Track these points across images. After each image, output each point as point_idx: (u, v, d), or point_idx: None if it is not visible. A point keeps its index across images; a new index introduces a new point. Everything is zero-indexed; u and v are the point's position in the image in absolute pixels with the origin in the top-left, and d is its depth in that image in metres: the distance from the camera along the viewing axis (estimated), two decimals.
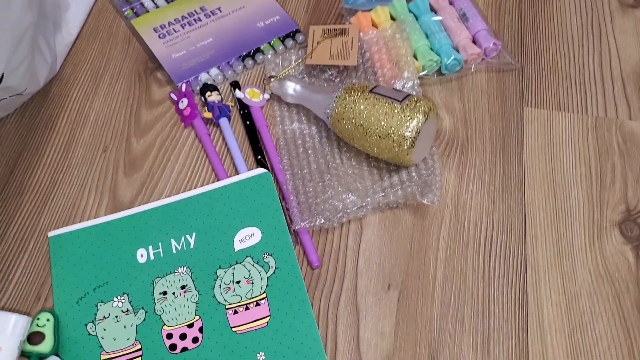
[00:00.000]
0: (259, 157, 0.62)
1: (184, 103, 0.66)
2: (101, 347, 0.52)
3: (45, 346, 0.50)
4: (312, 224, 0.57)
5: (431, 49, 0.69)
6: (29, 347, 0.50)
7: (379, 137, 0.57)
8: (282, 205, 0.59)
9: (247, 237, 0.57)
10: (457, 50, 0.69)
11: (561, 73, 0.70)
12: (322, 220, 0.57)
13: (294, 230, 0.58)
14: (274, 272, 0.55)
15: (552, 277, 0.56)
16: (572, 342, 0.53)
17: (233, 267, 0.55)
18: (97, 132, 0.66)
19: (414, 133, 0.55)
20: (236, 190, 0.59)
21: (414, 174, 0.59)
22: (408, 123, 0.55)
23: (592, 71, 0.70)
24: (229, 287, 0.54)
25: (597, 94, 0.68)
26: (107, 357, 0.52)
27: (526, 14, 0.75)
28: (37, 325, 0.51)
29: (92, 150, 0.65)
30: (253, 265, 0.55)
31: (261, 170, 0.60)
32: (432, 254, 0.58)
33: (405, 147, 0.56)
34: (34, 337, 0.50)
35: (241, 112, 0.66)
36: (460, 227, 0.59)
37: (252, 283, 0.54)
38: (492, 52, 0.69)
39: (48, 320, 0.52)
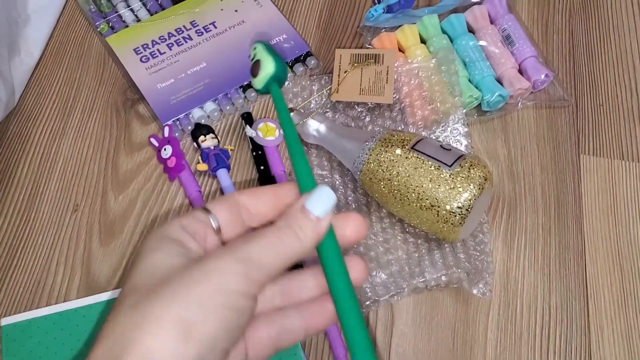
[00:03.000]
0: None
1: (167, 152, 0.54)
2: None
3: (267, 68, 0.40)
4: None
5: (469, 80, 0.57)
6: (257, 80, 0.40)
7: (420, 208, 0.46)
8: None
9: None
10: (501, 83, 0.57)
11: (623, 110, 0.59)
12: None
13: None
14: None
15: None
16: None
17: None
18: (65, 185, 0.54)
19: (464, 209, 0.44)
20: None
21: (461, 254, 0.48)
22: (458, 196, 0.44)
23: None
24: None
25: None
26: None
27: (578, 33, 0.63)
28: (250, 60, 0.42)
29: (60, 209, 0.53)
30: None
31: None
32: (480, 351, 0.47)
33: (453, 224, 0.45)
34: (254, 69, 0.41)
35: (254, 153, 0.54)
36: (511, 315, 0.49)
37: None
38: (543, 85, 0.58)
39: (254, 48, 0.42)
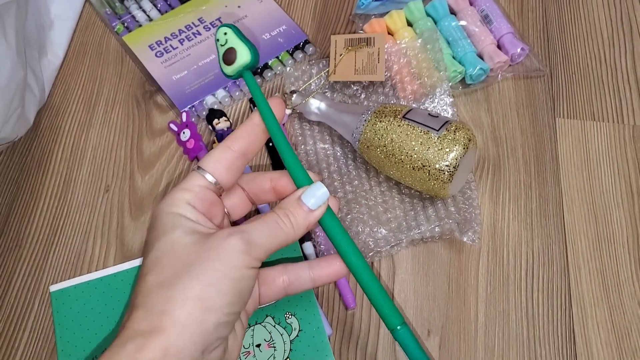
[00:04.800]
0: None
1: (186, 135, 0.60)
2: None
3: (242, 57, 0.41)
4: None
5: (453, 57, 0.63)
6: (231, 68, 0.42)
7: (413, 168, 0.52)
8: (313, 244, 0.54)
9: None
10: (482, 58, 0.63)
11: (593, 77, 0.65)
12: None
13: None
14: (297, 335, 0.50)
15: (599, 312, 0.53)
16: None
17: (252, 327, 0.50)
18: (96, 170, 0.61)
19: (452, 167, 0.50)
20: None
21: (451, 208, 0.55)
22: (446, 156, 0.50)
23: (625, 73, 0.65)
24: (248, 352, 0.49)
25: (633, 99, 0.63)
26: None
27: (551, 10, 0.70)
28: (220, 45, 0.42)
29: (92, 191, 0.59)
30: (274, 326, 0.50)
31: None
32: (472, 293, 0.54)
33: (443, 181, 0.51)
34: (227, 56, 0.42)
35: None
36: (499, 261, 0.55)
37: (274, 347, 0.50)
38: (519, 58, 0.64)
39: (225, 33, 0.42)
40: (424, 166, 0.51)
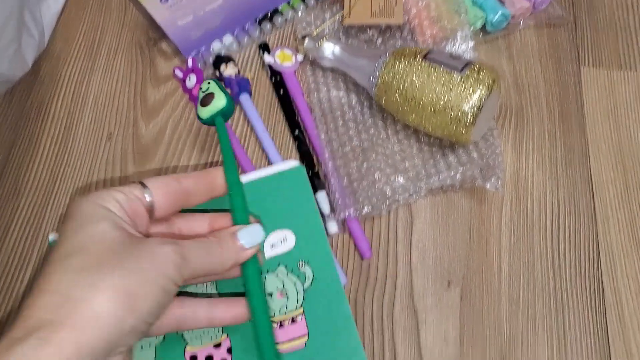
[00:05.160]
0: (297, 132, 0.54)
1: (192, 81, 0.57)
2: None
3: (218, 101, 0.44)
4: (357, 212, 0.50)
5: (473, 2, 0.60)
6: (206, 109, 0.44)
7: (434, 112, 0.49)
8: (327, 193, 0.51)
9: (279, 241, 0.48)
10: (503, 4, 0.60)
11: (619, 25, 0.62)
12: (369, 208, 0.50)
13: (339, 219, 0.50)
14: (311, 284, 0.47)
15: (628, 263, 0.50)
16: None
17: (264, 276, 0.48)
18: (98, 117, 0.58)
19: (475, 109, 0.48)
20: (264, 188, 0.50)
21: (474, 154, 0.52)
22: (469, 97, 0.47)
23: None
24: None
25: None
26: None
27: None
28: (202, 92, 0.45)
29: (94, 138, 0.57)
30: (287, 275, 0.48)
31: (293, 163, 0.51)
32: (495, 243, 0.51)
33: (466, 124, 0.48)
34: (204, 99, 0.44)
35: (272, 79, 0.58)
36: (523, 210, 0.52)
37: (287, 296, 0.47)
38: (542, 5, 0.61)
39: (209, 83, 0.45)
40: (445, 109, 0.48)
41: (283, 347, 0.45)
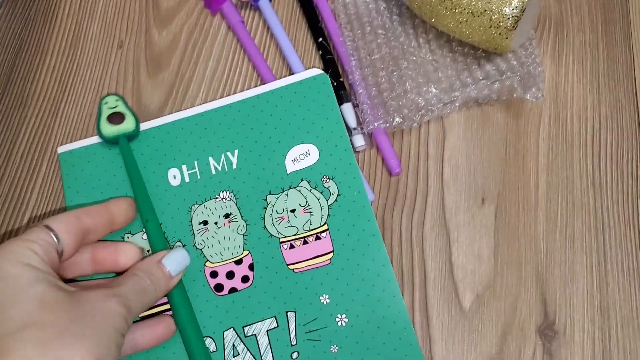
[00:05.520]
0: (320, 39, 0.51)
1: None
2: None
3: (128, 124, 0.46)
4: (388, 124, 0.47)
5: None
6: (113, 129, 0.46)
7: (472, 14, 0.45)
8: (352, 104, 0.48)
9: (302, 156, 0.46)
10: None
11: None
12: (400, 119, 0.47)
13: (366, 132, 0.47)
14: (336, 200, 0.45)
15: None
16: None
17: (286, 192, 0.45)
18: (108, 24, 0.54)
19: (518, 10, 0.44)
20: (286, 97, 0.47)
21: (513, 62, 0.48)
22: None
23: None
24: (282, 217, 0.44)
25: None
26: None
27: None
28: (109, 107, 0.47)
29: (105, 46, 0.53)
30: (310, 190, 0.45)
31: (316, 71, 0.48)
32: (532, 159, 0.48)
33: (506, 28, 0.44)
34: (114, 118, 0.46)
35: None
36: (562, 125, 0.49)
37: (310, 212, 0.44)
38: None
39: (117, 100, 0.48)
40: (485, 11, 0.45)
41: (308, 264, 0.43)
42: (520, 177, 0.47)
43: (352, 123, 0.48)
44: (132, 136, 0.46)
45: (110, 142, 0.46)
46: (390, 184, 0.47)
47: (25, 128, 0.50)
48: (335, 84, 0.49)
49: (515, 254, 0.45)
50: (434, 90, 0.48)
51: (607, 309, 0.43)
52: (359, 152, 0.48)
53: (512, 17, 0.44)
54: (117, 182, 0.46)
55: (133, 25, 0.54)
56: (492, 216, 0.46)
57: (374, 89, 0.48)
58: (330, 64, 0.50)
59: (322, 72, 0.48)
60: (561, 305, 0.44)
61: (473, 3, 0.45)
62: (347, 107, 0.48)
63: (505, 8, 0.44)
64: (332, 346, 0.41)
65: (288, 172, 0.45)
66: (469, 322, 0.43)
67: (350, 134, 0.48)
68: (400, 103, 0.47)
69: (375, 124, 0.47)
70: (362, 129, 0.47)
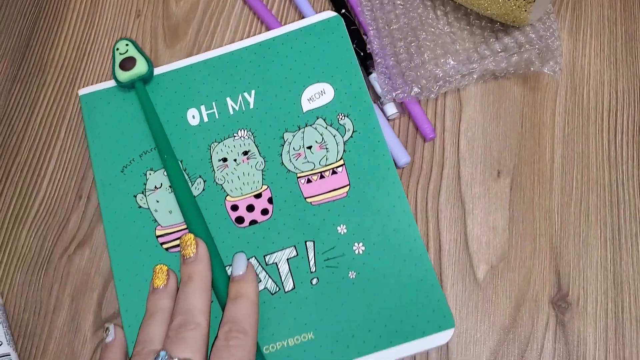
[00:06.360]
0: (343, 11, 0.51)
1: None
2: (155, 221, 0.44)
3: (140, 67, 0.46)
4: (405, 94, 0.47)
5: None
6: (126, 75, 0.46)
7: None
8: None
9: (317, 95, 0.47)
10: None
11: None
12: (418, 90, 0.47)
13: (384, 101, 0.48)
14: (351, 136, 0.45)
15: None
16: None
17: (302, 130, 0.46)
18: None
19: None
20: (300, 39, 0.48)
21: (532, 34, 0.48)
22: None
23: None
24: (299, 154, 0.45)
25: None
26: (163, 232, 0.44)
27: None
28: (120, 53, 0.47)
29: (122, 15, 0.53)
30: (326, 127, 0.46)
31: (330, 13, 0.49)
32: (548, 133, 0.48)
33: (525, 0, 0.44)
34: (126, 63, 0.46)
35: None
36: (578, 100, 0.49)
37: (327, 148, 0.45)
38: None
39: (127, 45, 0.47)
40: None
41: (325, 197, 0.44)
42: (535, 150, 0.47)
43: (380, 91, 0.48)
44: (147, 78, 0.47)
45: (127, 87, 0.47)
46: (425, 147, 0.48)
47: (44, 94, 0.50)
48: (362, 54, 0.49)
49: (530, 226, 0.45)
50: (452, 62, 0.48)
51: (621, 282, 0.44)
52: (391, 120, 0.48)
53: None
54: (137, 123, 0.47)
55: None
56: (507, 189, 0.46)
57: (392, 59, 0.48)
58: (355, 34, 0.50)
59: (335, 14, 0.48)
60: (575, 278, 0.44)
61: None
62: (375, 77, 0.49)
63: None
64: (350, 272, 0.42)
65: (304, 111, 0.46)
66: (483, 292, 0.44)
67: (382, 103, 0.48)
68: (418, 74, 0.47)
69: (394, 94, 0.47)
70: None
